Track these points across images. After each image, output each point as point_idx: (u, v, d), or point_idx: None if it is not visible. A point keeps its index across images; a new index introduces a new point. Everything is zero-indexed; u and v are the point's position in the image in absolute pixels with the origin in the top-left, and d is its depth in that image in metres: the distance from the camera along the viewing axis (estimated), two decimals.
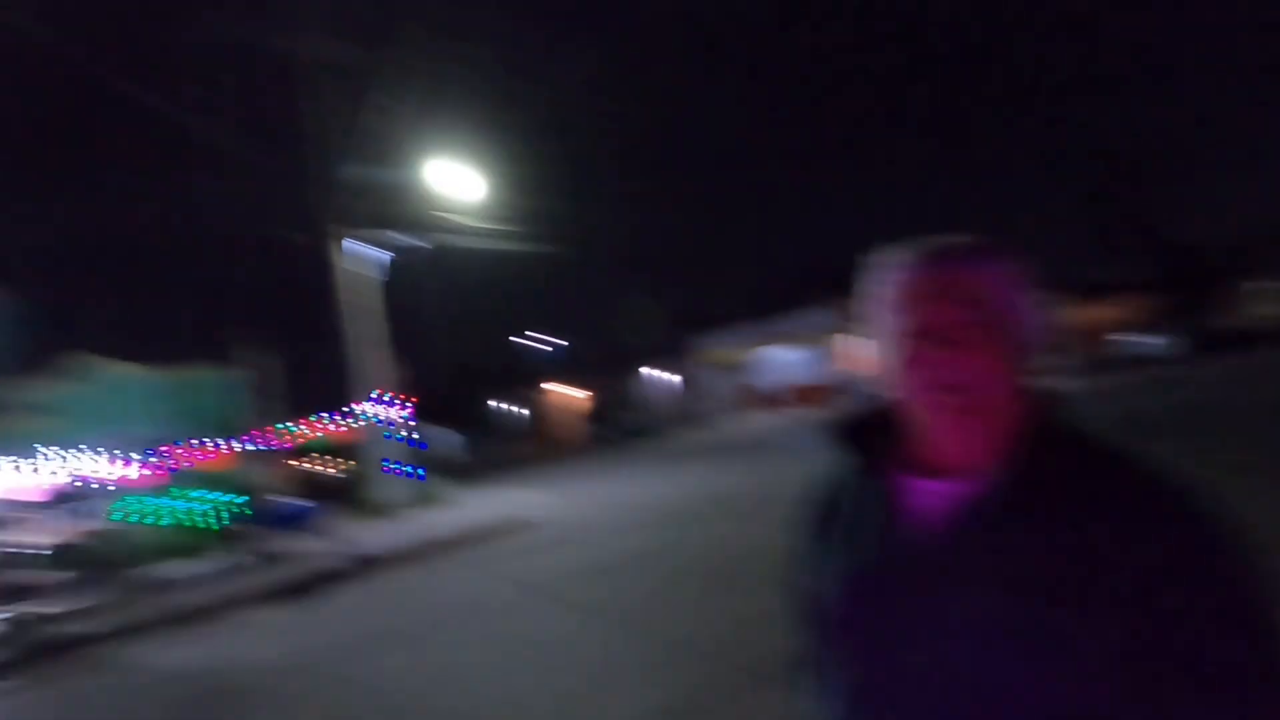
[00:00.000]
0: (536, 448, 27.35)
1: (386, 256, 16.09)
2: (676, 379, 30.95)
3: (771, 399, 25.84)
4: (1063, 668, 0.70)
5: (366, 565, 9.95)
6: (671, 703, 4.00)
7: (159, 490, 14.89)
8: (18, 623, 8.68)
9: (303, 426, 16.14)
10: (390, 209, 15.90)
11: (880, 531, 0.86)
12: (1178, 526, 0.72)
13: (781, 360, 26.25)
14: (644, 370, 31.59)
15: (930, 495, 0.83)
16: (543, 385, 32.68)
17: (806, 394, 24.03)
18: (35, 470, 13.98)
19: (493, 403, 33.95)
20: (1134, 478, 0.75)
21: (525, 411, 34.35)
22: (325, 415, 16.42)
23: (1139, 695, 0.69)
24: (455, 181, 15.95)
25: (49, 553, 11.28)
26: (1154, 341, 25.82)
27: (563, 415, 31.51)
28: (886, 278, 0.86)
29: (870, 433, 0.93)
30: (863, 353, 0.92)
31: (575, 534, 10.12)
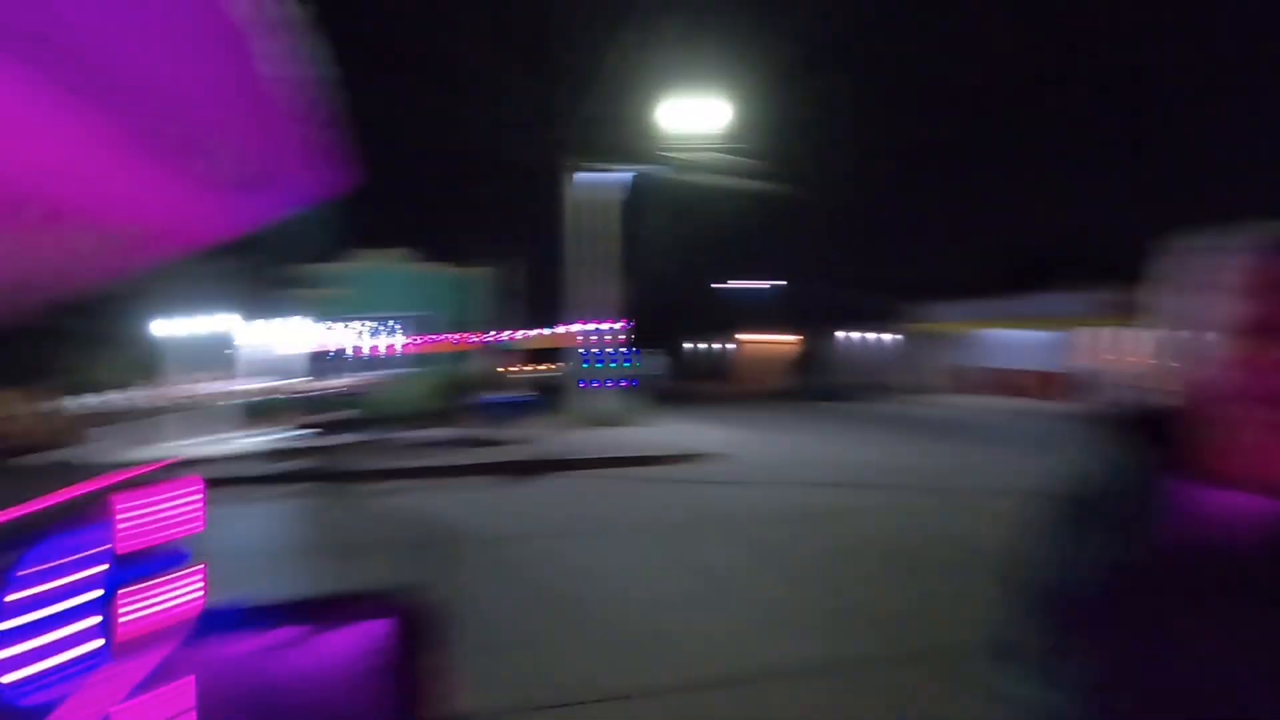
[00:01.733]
0: (731, 389, 27.70)
1: (623, 180, 16.84)
2: (889, 343, 29.15)
3: (994, 382, 23.44)
4: None
5: (562, 464, 11.02)
6: (839, 659, 4.05)
7: (409, 364, 17.62)
8: (297, 447, 11.07)
9: (528, 331, 18.05)
10: (627, 138, 16.50)
11: (1158, 535, 0.81)
12: None
13: (1013, 342, 23.52)
14: (855, 329, 30.16)
15: (1228, 507, 0.77)
16: (744, 330, 32.70)
17: (1040, 382, 21.42)
18: (323, 334, 17.26)
19: (691, 340, 34.76)
20: None
21: (724, 352, 34.71)
22: (548, 325, 18.13)
23: None
24: (696, 115, 16.06)
25: (324, 399, 14.03)
26: None
27: (762, 362, 31.41)
28: (1218, 264, 0.77)
29: (1149, 432, 0.87)
30: (1125, 346, 0.85)
31: (760, 476, 10.26)
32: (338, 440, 11.80)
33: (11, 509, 1.13)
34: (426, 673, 1.79)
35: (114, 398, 12.41)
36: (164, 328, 14.13)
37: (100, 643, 1.30)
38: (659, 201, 19.07)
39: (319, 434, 11.89)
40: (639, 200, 17.88)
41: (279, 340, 15.67)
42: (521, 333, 18.49)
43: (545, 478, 10.23)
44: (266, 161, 1.45)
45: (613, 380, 16.64)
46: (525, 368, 18.83)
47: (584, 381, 16.48)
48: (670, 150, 16.36)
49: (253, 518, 7.77)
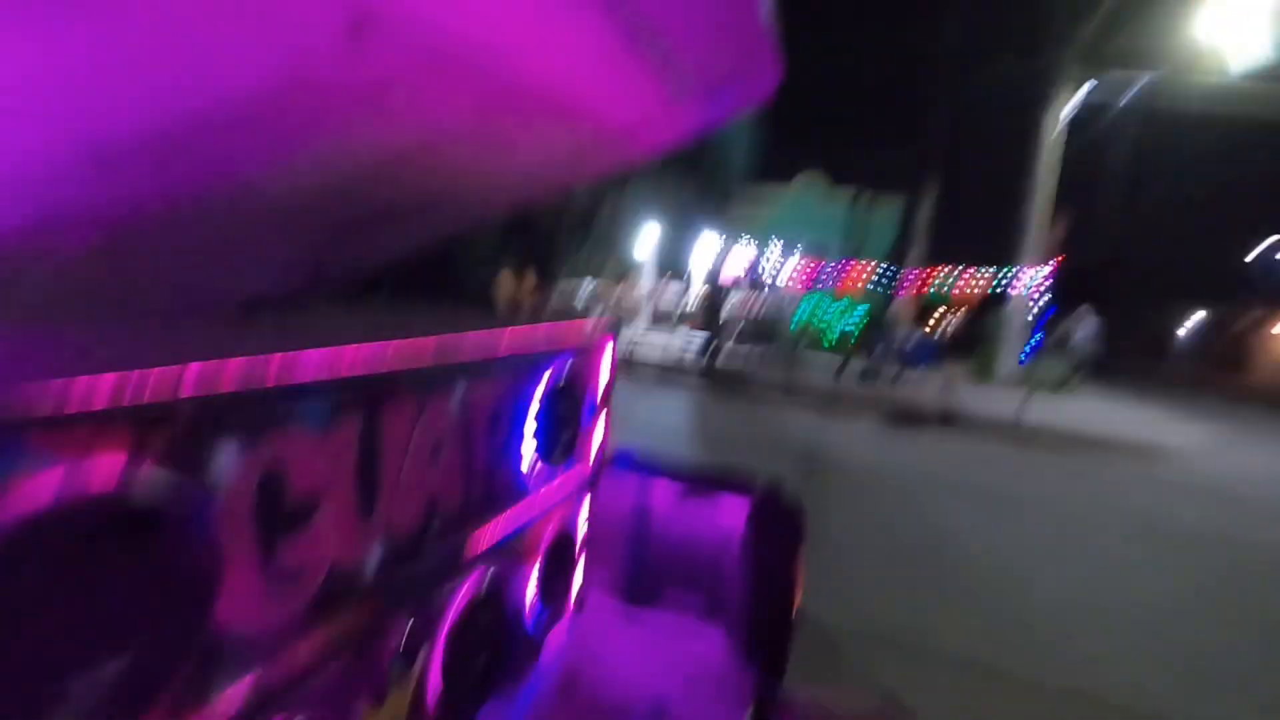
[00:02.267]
0: (1208, 375, 21.26)
1: (1081, 98, 13.66)
2: None
3: None
4: None
5: (963, 421, 10.07)
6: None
7: (822, 294, 17.86)
8: (710, 350, 12.33)
9: (946, 273, 16.47)
10: (1130, 47, 13.12)
11: None
12: None
13: None
14: None
15: None
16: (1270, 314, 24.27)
17: None
18: (747, 254, 18.53)
19: (1186, 308, 27.25)
20: None
21: (1213, 329, 26.56)
22: (970, 267, 16.27)
23: None
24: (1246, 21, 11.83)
25: (741, 315, 15.21)
26: None
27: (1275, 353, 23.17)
28: None
29: None
30: None
31: (1218, 485, 7.86)
32: (745, 352, 12.89)
33: (506, 336, 1.55)
34: (783, 558, 1.91)
35: (590, 288, 15.67)
36: (636, 235, 16.98)
37: (543, 461, 1.72)
38: (1154, 127, 14.95)
39: (731, 345, 13.17)
40: (1122, 122, 14.28)
41: (711, 256, 17.51)
42: (942, 273, 17.00)
43: (941, 431, 9.56)
44: (721, 64, 1.57)
45: (1032, 339, 14.29)
46: (942, 311, 17.43)
47: (1009, 336, 14.54)
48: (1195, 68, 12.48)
49: (653, 400, 9.12)
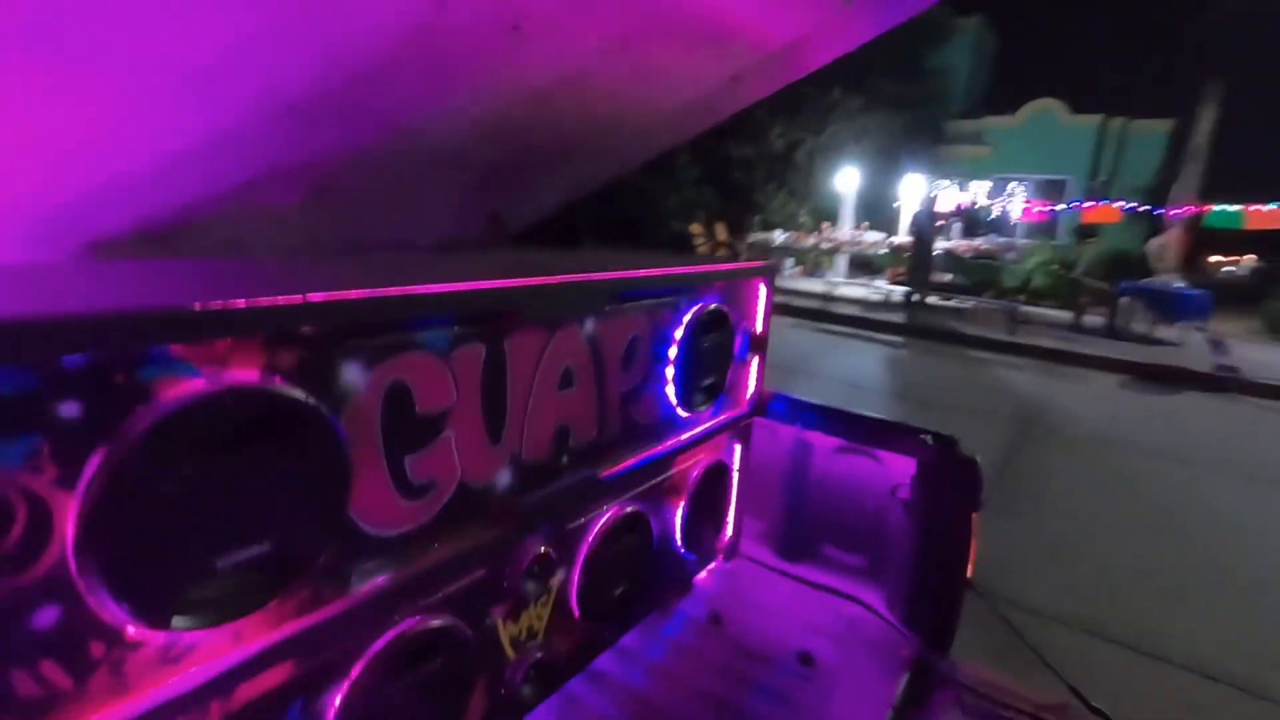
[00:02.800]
0: None
1: None
2: None
3: None
4: None
5: (1221, 384, 8.28)
6: None
7: (1048, 233, 15.57)
8: (915, 301, 11.35)
9: (1224, 209, 13.41)
10: None
11: None
12: None
13: None
14: None
15: None
16: None
17: None
18: (961, 197, 16.64)
19: None
20: None
21: None
22: (1260, 202, 13.11)
23: None
24: None
25: (955, 260, 13.77)
26: None
27: None
28: None
29: None
30: None
31: None
32: (956, 304, 11.72)
33: (676, 268, 1.53)
34: (955, 522, 1.73)
35: (782, 238, 15.12)
36: (845, 179, 15.95)
37: (711, 397, 1.70)
38: None
39: (939, 296, 12.04)
40: None
41: (918, 200, 16.02)
42: (1220, 208, 13.89)
43: (1206, 396, 7.98)
44: None
45: None
46: (1210, 256, 14.39)
47: None
48: None
49: (848, 354, 8.63)
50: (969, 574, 1.73)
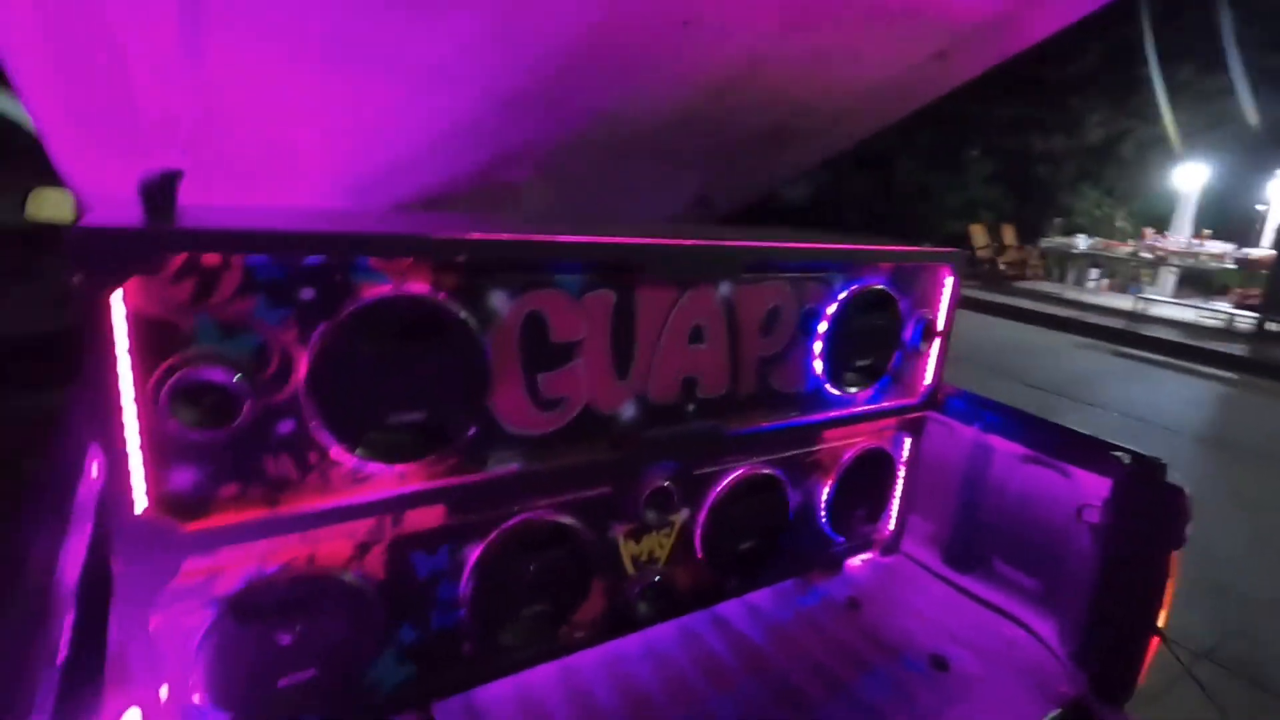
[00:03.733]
0: None
1: None
2: None
3: None
4: None
5: None
6: None
7: None
8: (1259, 333, 8.95)
9: None
10: None
11: None
12: None
13: None
14: None
15: None
16: None
17: None
18: None
19: None
20: None
21: None
22: None
23: None
24: None
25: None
26: None
27: None
28: None
29: None
30: None
31: None
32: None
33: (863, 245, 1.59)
34: (1150, 554, 1.51)
35: (1087, 241, 12.90)
36: (1186, 177, 13.19)
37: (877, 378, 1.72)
38: None
39: None
40: None
41: None
42: None
43: None
44: None
45: None
46: None
47: None
48: None
49: (1148, 384, 7.17)
50: (1160, 621, 1.49)
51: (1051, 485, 1.74)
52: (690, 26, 1.40)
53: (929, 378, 1.88)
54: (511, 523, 1.28)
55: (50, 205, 3.11)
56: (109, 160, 1.52)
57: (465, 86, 1.49)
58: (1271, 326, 9.35)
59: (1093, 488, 1.63)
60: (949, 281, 1.82)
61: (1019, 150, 15.11)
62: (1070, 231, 13.82)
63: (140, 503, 0.91)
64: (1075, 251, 12.61)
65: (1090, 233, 13.61)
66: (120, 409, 0.86)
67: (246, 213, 1.17)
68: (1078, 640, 1.63)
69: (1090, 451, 1.65)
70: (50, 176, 3.20)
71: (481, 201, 2.08)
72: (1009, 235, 13.67)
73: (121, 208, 0.99)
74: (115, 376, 0.84)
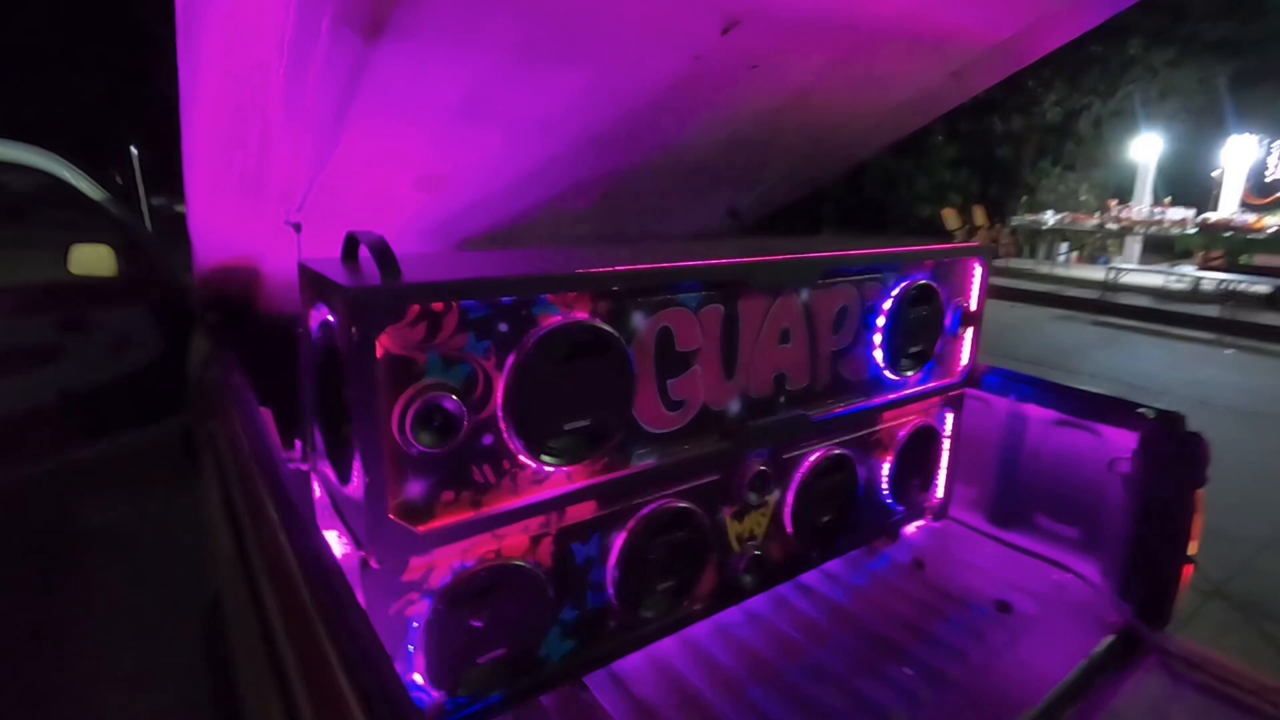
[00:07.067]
0: None
1: None
2: None
3: None
4: None
5: None
6: None
7: None
8: (1226, 294, 9.43)
9: None
10: None
11: None
12: None
13: None
14: None
15: None
16: None
17: None
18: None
19: None
20: None
21: None
22: None
23: None
24: None
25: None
26: None
27: None
28: None
29: None
30: None
31: None
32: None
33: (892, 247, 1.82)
34: (1176, 499, 1.75)
35: (1054, 217, 13.35)
36: (1143, 148, 13.67)
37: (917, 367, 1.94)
38: None
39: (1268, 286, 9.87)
40: None
41: (1243, 169, 13.11)
42: None
43: None
44: None
45: None
46: None
47: None
48: None
49: (1128, 350, 7.55)
50: (1192, 551, 1.73)
51: (1083, 444, 1.98)
52: (757, 70, 1.61)
53: (965, 358, 2.11)
54: (645, 511, 1.48)
55: (91, 260, 3.24)
56: (227, 218, 1.70)
57: (559, 133, 1.69)
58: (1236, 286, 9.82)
59: (1121, 442, 1.87)
60: (979, 271, 2.05)
61: (981, 132, 15.58)
62: (1037, 209, 14.31)
63: (388, 509, 1.10)
64: (1044, 228, 13.09)
65: (1057, 208, 14.11)
66: (383, 432, 1.05)
67: (439, 262, 1.36)
68: (1120, 576, 1.87)
69: (1116, 411, 1.89)
70: (90, 232, 3.31)
71: (539, 229, 2.28)
72: (980, 216, 14.12)
73: (334, 266, 1.18)
74: (380, 404, 1.03)
